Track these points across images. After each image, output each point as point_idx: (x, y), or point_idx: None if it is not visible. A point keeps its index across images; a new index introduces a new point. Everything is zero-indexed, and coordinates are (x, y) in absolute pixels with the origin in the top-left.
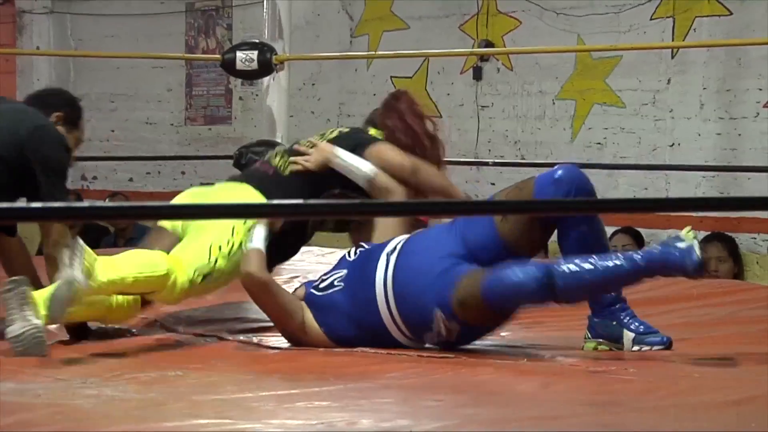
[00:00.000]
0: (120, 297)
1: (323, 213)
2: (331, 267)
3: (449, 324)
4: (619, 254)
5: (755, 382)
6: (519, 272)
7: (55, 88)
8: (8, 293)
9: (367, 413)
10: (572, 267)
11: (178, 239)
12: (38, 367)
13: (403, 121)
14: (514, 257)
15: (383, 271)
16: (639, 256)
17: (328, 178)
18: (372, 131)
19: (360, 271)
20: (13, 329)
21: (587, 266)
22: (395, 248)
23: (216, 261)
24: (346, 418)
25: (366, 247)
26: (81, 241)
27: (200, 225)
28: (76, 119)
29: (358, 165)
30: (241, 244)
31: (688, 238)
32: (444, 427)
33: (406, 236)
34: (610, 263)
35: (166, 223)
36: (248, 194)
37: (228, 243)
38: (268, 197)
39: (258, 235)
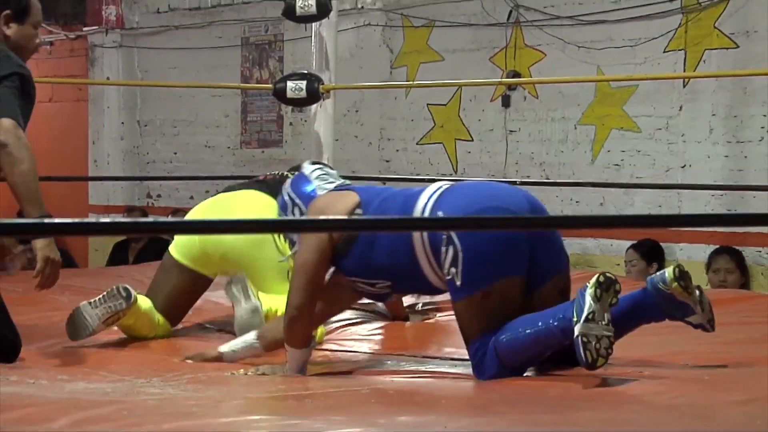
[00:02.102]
0: (160, 318)
1: (368, 227)
2: None
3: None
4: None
5: (762, 384)
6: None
7: None
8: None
9: (406, 411)
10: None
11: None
12: (107, 369)
13: None
14: None
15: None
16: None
17: None
18: None
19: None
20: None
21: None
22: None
23: None
24: (386, 415)
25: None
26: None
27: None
28: (25, 11)
29: (243, 346)
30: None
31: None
32: (476, 424)
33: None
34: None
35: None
36: (264, 200)
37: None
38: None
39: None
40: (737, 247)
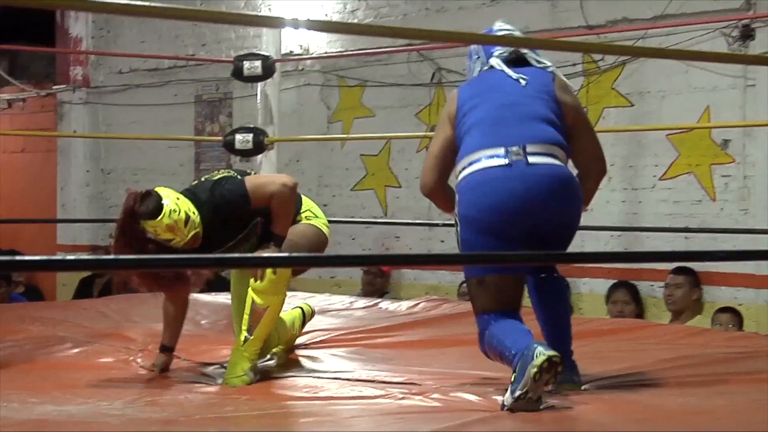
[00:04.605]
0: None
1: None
2: None
3: None
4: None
5: (653, 404)
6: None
7: None
8: None
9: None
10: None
11: None
12: (73, 392)
13: None
14: None
15: None
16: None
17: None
18: None
19: None
20: None
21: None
22: None
23: None
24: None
25: None
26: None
27: None
28: None
29: None
30: None
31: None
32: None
33: None
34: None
35: None
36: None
37: None
38: None
39: None
40: (633, 282)
